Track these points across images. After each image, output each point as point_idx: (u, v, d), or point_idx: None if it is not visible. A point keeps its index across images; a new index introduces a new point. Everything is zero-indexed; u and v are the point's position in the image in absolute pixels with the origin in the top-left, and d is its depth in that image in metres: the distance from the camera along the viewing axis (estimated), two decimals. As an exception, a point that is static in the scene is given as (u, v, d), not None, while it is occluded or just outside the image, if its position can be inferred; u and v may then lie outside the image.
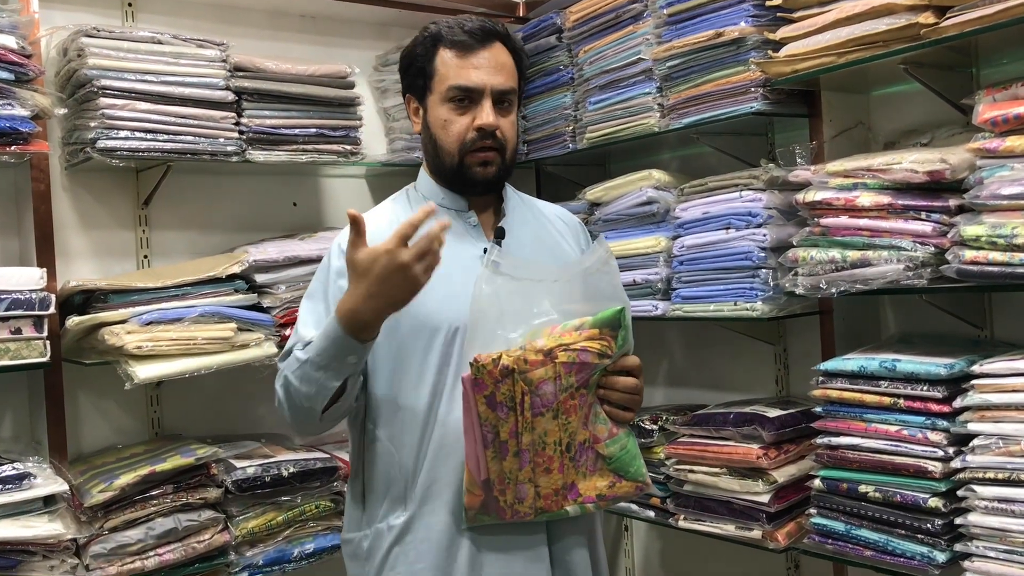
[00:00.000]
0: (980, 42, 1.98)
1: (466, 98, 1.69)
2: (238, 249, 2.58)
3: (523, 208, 1.86)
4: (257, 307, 2.47)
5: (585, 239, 1.94)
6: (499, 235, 1.75)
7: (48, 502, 2.12)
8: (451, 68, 1.69)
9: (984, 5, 1.80)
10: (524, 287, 1.62)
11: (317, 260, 2.55)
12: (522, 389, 1.54)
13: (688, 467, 2.41)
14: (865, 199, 1.99)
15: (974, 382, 1.85)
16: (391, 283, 1.47)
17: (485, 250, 1.69)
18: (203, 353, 2.31)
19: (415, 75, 1.75)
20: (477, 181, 1.72)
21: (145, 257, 2.61)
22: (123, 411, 2.58)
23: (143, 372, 2.22)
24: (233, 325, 2.36)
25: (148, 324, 2.24)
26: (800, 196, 2.12)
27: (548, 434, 1.57)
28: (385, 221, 1.74)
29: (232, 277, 2.42)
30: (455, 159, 1.71)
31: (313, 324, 1.69)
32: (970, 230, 1.81)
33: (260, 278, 2.48)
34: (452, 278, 1.65)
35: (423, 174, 1.83)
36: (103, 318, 2.23)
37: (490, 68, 1.69)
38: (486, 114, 1.68)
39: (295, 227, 2.84)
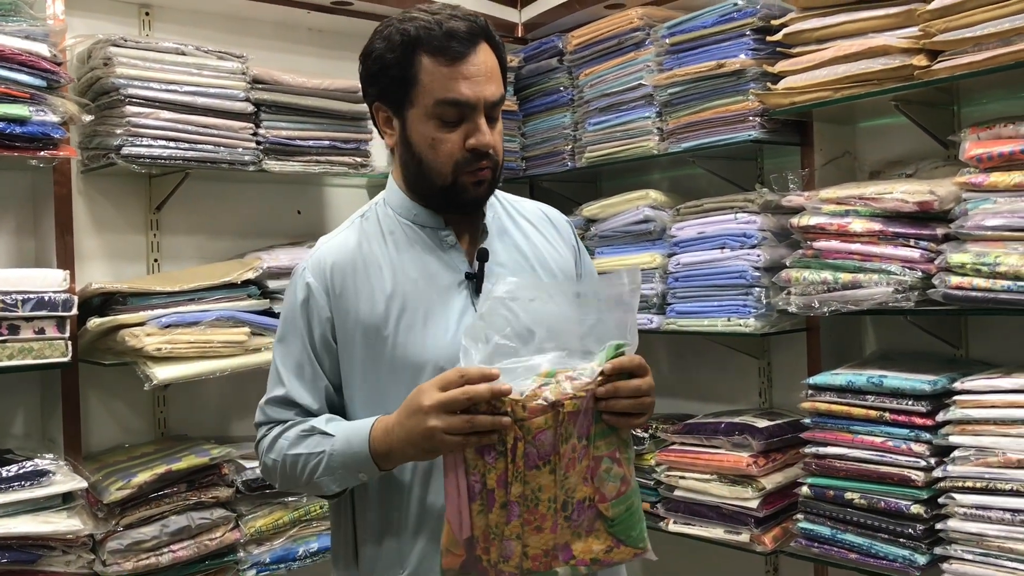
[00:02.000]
0: (963, 83, 2.14)
1: (456, 113, 1.47)
2: (250, 255, 2.65)
3: (503, 217, 1.65)
4: (269, 312, 2.54)
5: (575, 237, 1.75)
6: (481, 257, 1.54)
7: (66, 499, 2.17)
8: (437, 79, 1.45)
9: (973, 52, 1.96)
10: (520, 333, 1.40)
11: (327, 268, 2.65)
12: (515, 435, 1.32)
13: (679, 473, 2.54)
14: (857, 225, 2.14)
15: (956, 398, 2.00)
16: (414, 423, 1.35)
17: (466, 275, 1.54)
18: (219, 356, 2.39)
19: (389, 84, 1.50)
20: (469, 201, 1.53)
21: (155, 261, 2.67)
22: (131, 411, 2.63)
23: (162, 373, 2.28)
24: (247, 329, 2.43)
25: (167, 327, 2.31)
26: (795, 220, 2.27)
27: (543, 490, 1.35)
28: (354, 251, 1.57)
29: (246, 283, 2.50)
30: (447, 180, 1.50)
31: (298, 377, 1.55)
32: (956, 257, 1.96)
33: (272, 284, 2.56)
34: (432, 310, 1.49)
35: (393, 187, 1.61)
36: (123, 320, 2.29)
37: (481, 77, 1.46)
38: (482, 133, 1.47)
39: (299, 234, 2.92)
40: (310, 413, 1.54)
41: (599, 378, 1.36)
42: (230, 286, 2.47)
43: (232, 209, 2.84)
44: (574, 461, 1.36)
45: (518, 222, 1.66)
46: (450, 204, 1.54)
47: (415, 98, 1.48)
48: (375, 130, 2.88)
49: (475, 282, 1.53)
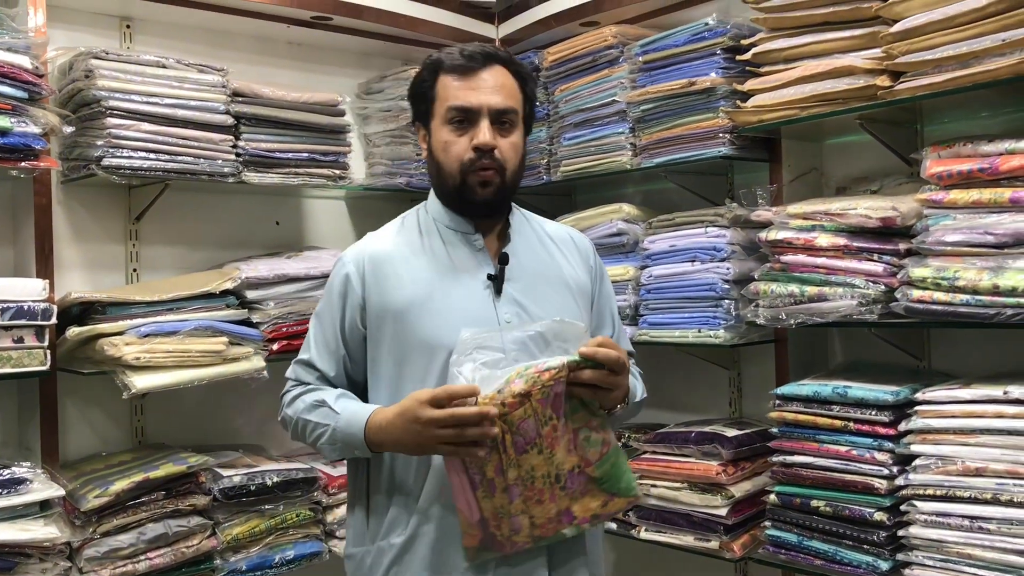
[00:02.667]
0: (925, 103, 2.21)
1: (464, 119, 1.71)
2: (229, 265, 2.68)
3: (528, 232, 1.86)
4: (247, 322, 2.57)
5: (595, 260, 1.94)
6: (503, 260, 1.76)
7: (43, 507, 2.18)
8: (450, 91, 1.72)
9: (933, 73, 2.03)
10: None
11: (305, 278, 2.68)
12: (502, 429, 1.52)
13: (651, 482, 2.59)
14: (823, 240, 2.21)
15: (917, 408, 2.06)
16: (409, 430, 1.57)
17: (489, 275, 1.74)
18: (197, 365, 2.41)
19: (419, 102, 1.80)
20: (477, 200, 1.73)
21: (134, 271, 2.69)
22: (109, 420, 2.65)
23: (141, 382, 2.30)
24: (225, 339, 2.46)
25: (146, 336, 2.33)
26: (763, 234, 2.33)
27: (535, 469, 1.55)
28: (391, 245, 1.80)
29: (225, 293, 2.52)
30: (456, 179, 1.72)
31: (323, 347, 1.80)
32: (917, 272, 2.03)
33: (251, 294, 2.58)
34: (455, 302, 1.71)
35: (432, 196, 1.85)
36: (102, 329, 2.31)
37: (488, 88, 1.71)
38: (482, 133, 1.69)
39: (277, 245, 2.95)
40: (326, 378, 1.80)
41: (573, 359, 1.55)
42: (209, 296, 2.49)
43: (211, 220, 2.87)
44: (557, 439, 1.56)
45: (543, 239, 1.88)
46: (464, 204, 1.77)
47: (435, 110, 1.76)
48: (353, 143, 2.96)
49: (497, 282, 1.74)
